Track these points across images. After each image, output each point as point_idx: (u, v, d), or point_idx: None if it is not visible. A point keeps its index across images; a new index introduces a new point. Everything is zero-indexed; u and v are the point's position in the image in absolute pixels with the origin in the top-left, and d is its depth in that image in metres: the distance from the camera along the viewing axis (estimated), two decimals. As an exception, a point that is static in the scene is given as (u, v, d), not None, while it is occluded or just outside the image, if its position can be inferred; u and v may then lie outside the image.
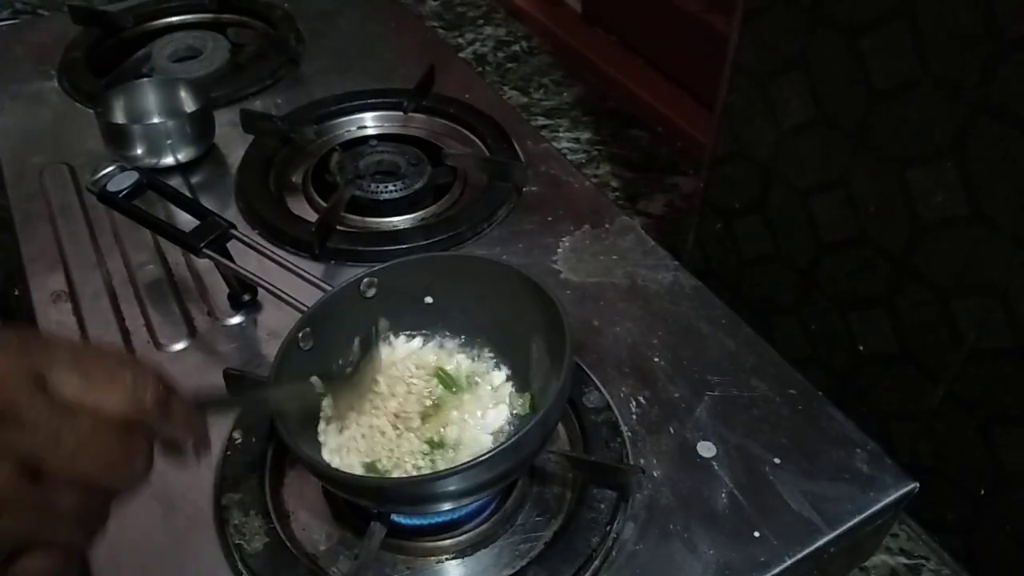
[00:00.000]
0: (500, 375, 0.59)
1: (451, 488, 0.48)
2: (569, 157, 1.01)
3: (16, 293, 0.74)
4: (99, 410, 0.32)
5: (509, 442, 0.47)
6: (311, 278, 0.63)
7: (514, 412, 0.57)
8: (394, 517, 0.53)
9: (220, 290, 0.71)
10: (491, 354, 0.60)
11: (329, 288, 0.60)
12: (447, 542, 0.55)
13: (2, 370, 0.30)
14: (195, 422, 0.37)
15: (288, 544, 0.54)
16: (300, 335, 0.55)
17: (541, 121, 1.16)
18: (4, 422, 0.30)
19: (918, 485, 0.57)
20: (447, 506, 0.51)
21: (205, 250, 0.64)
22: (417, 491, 0.49)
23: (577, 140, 1.14)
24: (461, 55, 1.27)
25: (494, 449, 0.47)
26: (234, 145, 0.87)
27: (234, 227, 0.66)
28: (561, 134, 1.15)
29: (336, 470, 0.50)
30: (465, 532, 0.55)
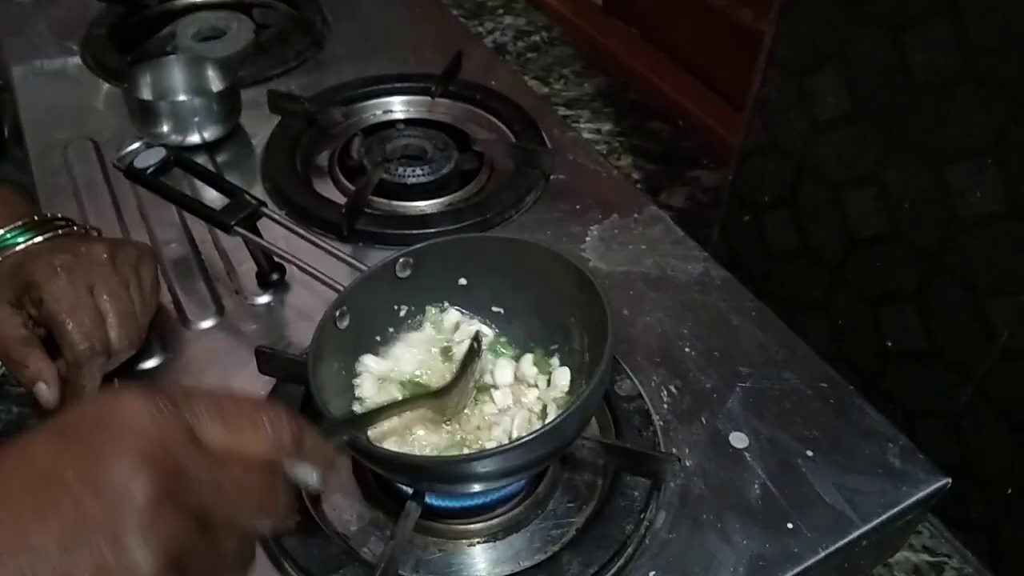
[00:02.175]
0: (531, 358, 0.58)
1: (488, 469, 0.48)
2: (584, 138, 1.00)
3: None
4: (246, 455, 0.35)
5: (548, 426, 0.47)
6: (344, 256, 0.63)
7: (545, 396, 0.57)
8: (427, 498, 0.53)
9: (247, 269, 0.70)
10: (525, 336, 0.59)
11: (363, 267, 0.60)
12: (478, 525, 0.55)
13: (165, 434, 0.32)
14: (326, 453, 0.39)
15: (320, 523, 0.53)
16: (337, 313, 0.54)
17: (562, 112, 1.15)
18: (178, 481, 0.31)
19: (950, 481, 0.57)
20: (482, 487, 0.51)
21: (237, 227, 0.63)
22: (455, 470, 0.49)
23: (598, 131, 1.13)
24: (482, 43, 1.26)
25: (533, 432, 0.46)
26: (259, 125, 0.87)
27: (264, 205, 0.65)
28: (582, 125, 1.14)
29: (377, 447, 0.50)
30: (496, 516, 0.55)
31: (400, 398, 0.54)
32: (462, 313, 0.60)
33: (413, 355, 0.59)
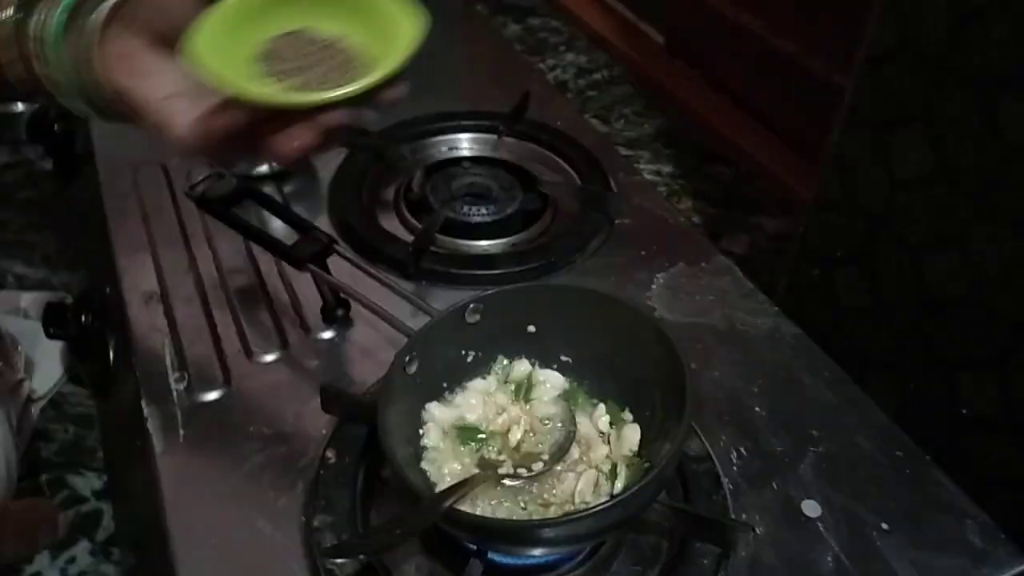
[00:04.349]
0: (601, 409, 0.57)
1: (556, 535, 0.47)
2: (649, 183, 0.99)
3: (107, 292, 0.74)
4: None
5: (622, 496, 0.46)
6: (411, 298, 0.62)
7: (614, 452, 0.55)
8: (490, 555, 0.52)
9: (312, 302, 0.70)
10: (596, 387, 0.58)
11: (430, 309, 0.59)
12: (540, 584, 0.53)
13: None
14: None
15: (379, 571, 0.52)
16: (407, 359, 0.54)
17: (623, 152, 1.15)
18: None
19: (1036, 565, 0.55)
20: (548, 551, 0.50)
21: (308, 265, 0.63)
22: (523, 535, 0.48)
23: (659, 173, 1.12)
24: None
25: (606, 502, 0.46)
26: (326, 157, 0.87)
27: (336, 242, 0.65)
28: (643, 166, 1.13)
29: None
30: (560, 575, 0.53)
31: (476, 472, 0.52)
32: (531, 362, 0.59)
33: (477, 404, 0.58)
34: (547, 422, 0.56)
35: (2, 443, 0.63)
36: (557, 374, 0.58)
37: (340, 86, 0.44)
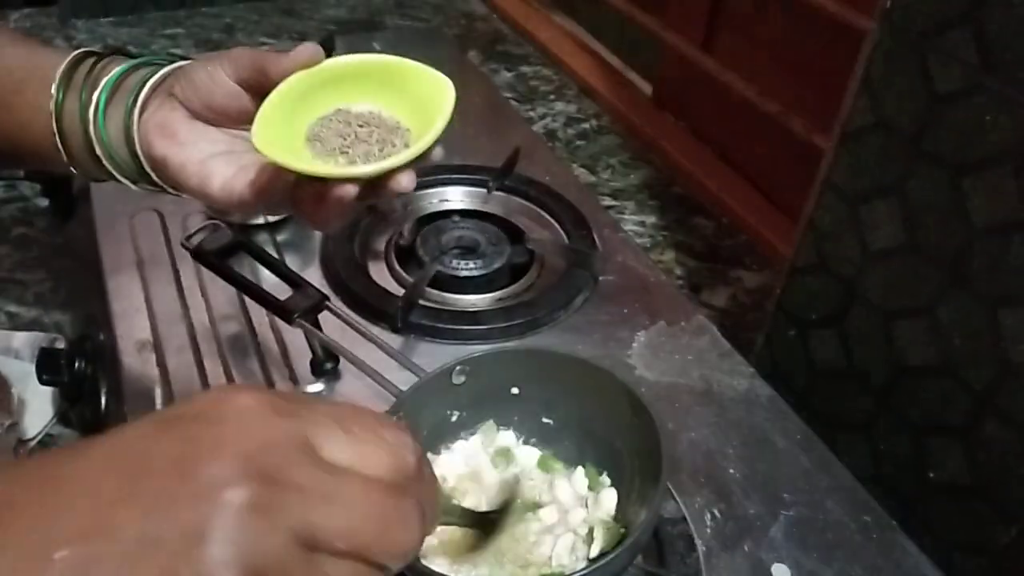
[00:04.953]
0: (580, 473, 0.59)
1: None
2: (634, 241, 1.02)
3: (101, 338, 0.76)
4: (367, 471, 0.31)
5: (599, 563, 0.48)
6: (398, 356, 0.64)
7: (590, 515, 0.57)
8: (468, 615, 0.53)
9: (302, 354, 0.72)
10: (575, 451, 0.60)
11: (417, 369, 0.61)
12: (516, 643, 0.55)
13: (276, 440, 0.29)
14: (438, 495, 0.36)
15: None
16: (394, 419, 0.55)
17: (607, 202, 1.18)
18: (277, 486, 0.28)
19: (995, 632, 0.57)
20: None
21: (299, 320, 0.65)
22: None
23: (642, 224, 1.15)
24: (532, 128, 1.29)
25: (583, 568, 0.48)
26: (319, 206, 0.89)
27: (327, 299, 0.67)
28: (627, 216, 1.16)
29: (420, 563, 0.51)
30: (535, 635, 0.55)
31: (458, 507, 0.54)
32: (516, 435, 0.61)
33: (455, 467, 0.59)
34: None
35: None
36: (534, 450, 0.60)
37: (383, 160, 0.47)
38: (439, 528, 0.55)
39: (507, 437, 0.60)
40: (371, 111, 0.50)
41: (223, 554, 0.26)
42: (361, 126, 0.49)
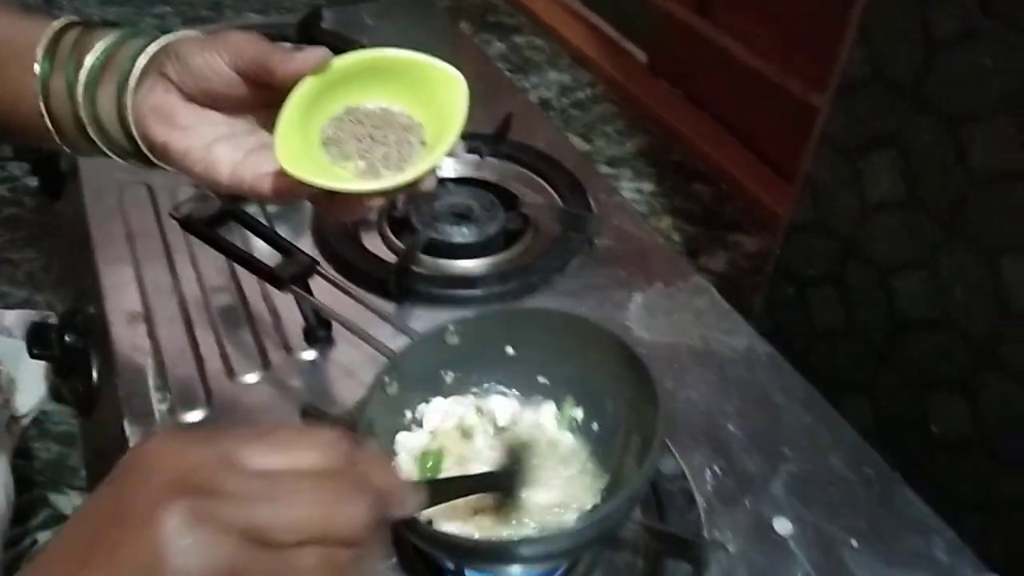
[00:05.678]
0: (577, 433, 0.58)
1: (532, 553, 0.48)
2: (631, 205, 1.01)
3: (91, 311, 0.75)
4: (296, 467, 0.33)
5: (596, 516, 0.47)
6: (392, 319, 0.63)
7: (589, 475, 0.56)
8: (468, 574, 0.53)
9: (294, 322, 0.71)
10: (570, 410, 0.59)
11: (410, 331, 0.60)
12: (516, 602, 0.54)
13: (194, 462, 0.31)
14: (389, 471, 0.38)
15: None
16: (387, 379, 0.55)
17: (604, 170, 1.16)
18: (210, 496, 0.30)
19: (998, 580, 0.56)
20: (525, 568, 0.51)
21: (291, 285, 0.64)
22: (499, 553, 0.49)
23: (639, 191, 1.14)
24: (527, 98, 1.28)
25: (581, 520, 0.46)
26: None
27: (318, 263, 0.66)
28: (623, 184, 1.15)
29: (421, 523, 0.50)
30: (535, 594, 0.54)
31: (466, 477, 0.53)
32: (511, 395, 0.60)
33: (448, 427, 0.58)
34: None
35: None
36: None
37: (404, 170, 0.46)
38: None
39: (500, 399, 0.59)
40: (382, 108, 0.49)
41: (183, 568, 0.29)
42: (375, 127, 0.48)
